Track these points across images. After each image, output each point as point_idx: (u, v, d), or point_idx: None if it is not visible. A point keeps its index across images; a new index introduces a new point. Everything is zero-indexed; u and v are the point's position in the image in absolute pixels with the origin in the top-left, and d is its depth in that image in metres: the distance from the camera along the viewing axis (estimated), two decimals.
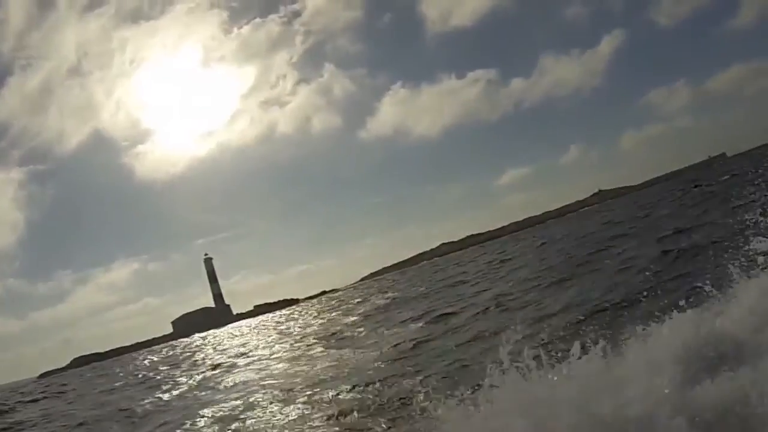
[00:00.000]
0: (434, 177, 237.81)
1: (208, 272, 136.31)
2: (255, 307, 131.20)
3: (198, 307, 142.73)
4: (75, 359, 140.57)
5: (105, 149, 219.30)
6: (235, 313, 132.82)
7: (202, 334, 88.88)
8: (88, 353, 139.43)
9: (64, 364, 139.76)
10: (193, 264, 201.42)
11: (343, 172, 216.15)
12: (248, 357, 21.45)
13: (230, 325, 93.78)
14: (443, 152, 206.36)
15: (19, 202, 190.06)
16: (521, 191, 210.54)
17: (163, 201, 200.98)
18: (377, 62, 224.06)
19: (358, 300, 41.44)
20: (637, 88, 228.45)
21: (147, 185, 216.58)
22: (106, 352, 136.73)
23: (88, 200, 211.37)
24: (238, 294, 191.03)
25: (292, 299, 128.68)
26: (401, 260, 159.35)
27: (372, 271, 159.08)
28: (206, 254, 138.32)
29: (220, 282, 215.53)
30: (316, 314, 41.93)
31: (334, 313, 34.60)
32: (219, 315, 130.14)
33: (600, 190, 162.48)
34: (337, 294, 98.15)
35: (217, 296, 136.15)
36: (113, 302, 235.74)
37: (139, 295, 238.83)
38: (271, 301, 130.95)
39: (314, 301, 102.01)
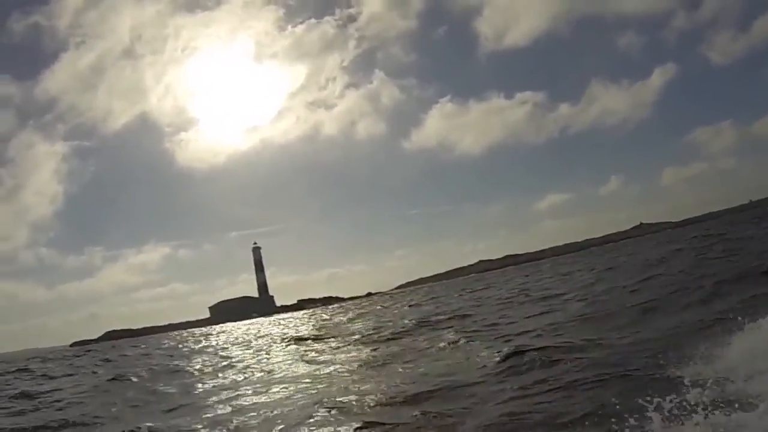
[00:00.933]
0: (473, 194, 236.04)
1: (255, 261, 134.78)
2: (298, 301, 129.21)
3: (231, 296, 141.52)
4: (108, 332, 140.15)
5: (149, 133, 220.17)
6: (278, 305, 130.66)
7: (247, 321, 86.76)
8: (120, 329, 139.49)
9: (95, 336, 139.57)
10: (224, 255, 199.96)
11: (382, 180, 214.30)
12: None
13: (282, 315, 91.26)
14: (485, 170, 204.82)
15: (60, 174, 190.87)
16: (559, 217, 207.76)
17: (200, 190, 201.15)
18: (428, 74, 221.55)
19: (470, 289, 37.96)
20: (684, 124, 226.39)
21: (187, 173, 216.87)
22: (138, 329, 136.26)
23: (128, 181, 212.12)
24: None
25: (336, 297, 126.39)
26: (438, 273, 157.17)
27: (408, 281, 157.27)
28: (255, 243, 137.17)
29: (246, 276, 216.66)
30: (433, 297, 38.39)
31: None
32: (262, 304, 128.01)
33: (642, 223, 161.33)
34: (386, 295, 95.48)
35: (262, 286, 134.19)
36: (141, 283, 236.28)
37: (167, 279, 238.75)
38: (315, 297, 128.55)
39: (358, 300, 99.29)
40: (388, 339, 17.67)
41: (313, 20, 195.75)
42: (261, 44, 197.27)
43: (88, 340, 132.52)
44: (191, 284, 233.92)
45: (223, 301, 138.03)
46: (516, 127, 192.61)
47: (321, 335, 24.17)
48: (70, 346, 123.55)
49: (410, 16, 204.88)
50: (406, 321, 22.51)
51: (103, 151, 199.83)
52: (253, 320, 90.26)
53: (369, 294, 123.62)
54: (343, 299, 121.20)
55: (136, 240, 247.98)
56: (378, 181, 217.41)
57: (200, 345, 33.60)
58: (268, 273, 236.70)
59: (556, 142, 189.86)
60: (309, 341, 22.23)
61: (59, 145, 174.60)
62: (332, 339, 21.45)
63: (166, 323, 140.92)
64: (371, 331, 21.33)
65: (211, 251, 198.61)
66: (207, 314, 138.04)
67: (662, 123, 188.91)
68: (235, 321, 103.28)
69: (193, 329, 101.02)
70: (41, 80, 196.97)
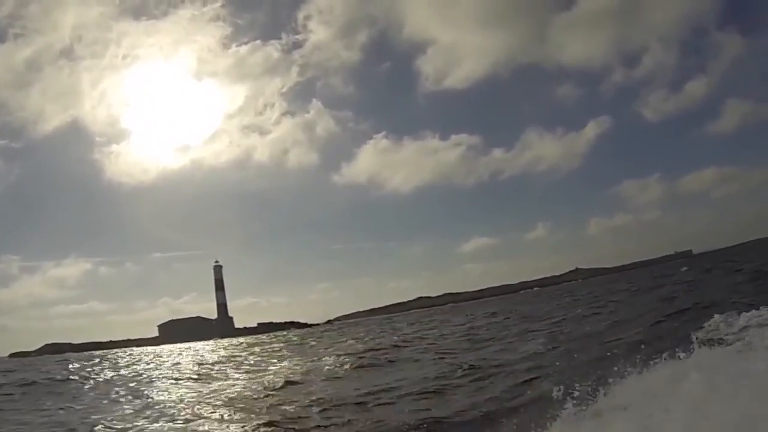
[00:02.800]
0: (398, 233, 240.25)
1: (216, 280, 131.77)
2: (259, 324, 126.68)
3: (178, 317, 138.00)
4: (47, 345, 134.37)
5: (79, 141, 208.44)
6: (236, 326, 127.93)
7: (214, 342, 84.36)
8: (60, 342, 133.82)
9: (33, 348, 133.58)
10: (145, 276, 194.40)
11: (309, 212, 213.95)
12: None
13: (247, 338, 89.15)
14: (412, 210, 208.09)
15: None
16: (482, 261, 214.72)
17: (127, 206, 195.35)
18: (365, 108, 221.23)
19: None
20: (612, 176, 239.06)
21: (114, 187, 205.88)
22: (79, 344, 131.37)
23: (52, 189, 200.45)
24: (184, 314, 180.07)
25: (301, 323, 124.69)
26: (376, 307, 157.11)
27: (344, 314, 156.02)
28: (216, 261, 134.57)
29: (165, 300, 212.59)
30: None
31: None
32: (220, 326, 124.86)
33: (577, 268, 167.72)
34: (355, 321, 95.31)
35: (221, 306, 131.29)
36: (58, 298, 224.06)
37: (85, 296, 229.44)
38: (277, 321, 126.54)
39: (326, 326, 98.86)
40: None
41: (258, 42, 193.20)
42: (203, 60, 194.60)
43: (26, 352, 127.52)
44: (109, 304, 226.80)
45: (173, 320, 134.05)
46: (448, 168, 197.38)
47: None
48: (9, 357, 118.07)
49: (355, 48, 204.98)
50: None
51: (31, 155, 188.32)
52: (208, 342, 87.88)
53: (337, 318, 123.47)
54: (308, 325, 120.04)
55: (56, 252, 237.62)
56: (304, 213, 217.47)
57: None
58: (188, 298, 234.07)
59: (486, 186, 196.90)
60: None
61: None
62: None
63: (109, 340, 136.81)
64: None
65: (133, 271, 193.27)
66: (155, 333, 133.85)
67: (592, 174, 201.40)
68: (187, 342, 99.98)
69: (146, 347, 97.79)
70: None
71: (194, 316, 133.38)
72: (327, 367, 18.86)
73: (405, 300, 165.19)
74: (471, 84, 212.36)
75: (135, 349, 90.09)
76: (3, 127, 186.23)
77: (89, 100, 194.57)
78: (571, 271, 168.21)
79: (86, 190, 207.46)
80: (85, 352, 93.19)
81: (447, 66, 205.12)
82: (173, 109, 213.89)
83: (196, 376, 21.95)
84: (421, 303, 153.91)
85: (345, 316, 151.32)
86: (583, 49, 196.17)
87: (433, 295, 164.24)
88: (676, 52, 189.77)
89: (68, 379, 25.22)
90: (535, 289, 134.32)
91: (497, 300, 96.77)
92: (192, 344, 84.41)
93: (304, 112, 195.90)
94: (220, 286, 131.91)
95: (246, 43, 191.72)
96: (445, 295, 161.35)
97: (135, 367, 32.19)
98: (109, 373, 27.41)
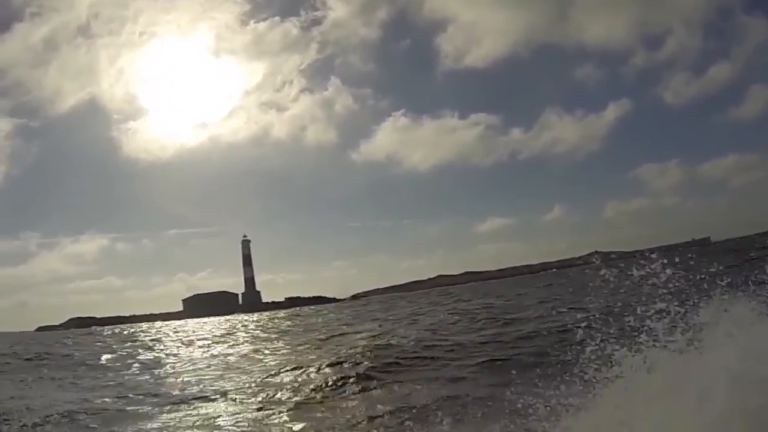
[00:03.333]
0: (415, 212, 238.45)
1: (243, 255, 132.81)
2: (286, 299, 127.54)
3: (204, 291, 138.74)
4: (72, 319, 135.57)
5: (97, 118, 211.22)
6: (264, 301, 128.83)
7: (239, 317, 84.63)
8: (85, 316, 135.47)
9: (59, 323, 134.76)
10: (161, 253, 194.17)
11: (326, 189, 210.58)
12: None
13: (280, 313, 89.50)
14: (429, 189, 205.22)
15: (2, 154, 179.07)
16: (498, 241, 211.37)
17: (144, 183, 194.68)
18: (384, 86, 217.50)
19: None
20: (631, 160, 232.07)
21: (131, 164, 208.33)
22: (104, 318, 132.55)
23: (70, 167, 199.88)
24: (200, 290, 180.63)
25: (329, 297, 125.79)
26: (395, 284, 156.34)
27: (364, 290, 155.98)
28: (245, 236, 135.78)
29: (181, 276, 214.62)
30: None
31: None
32: (246, 300, 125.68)
33: (597, 251, 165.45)
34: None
35: (249, 280, 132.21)
36: (75, 274, 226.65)
37: (102, 272, 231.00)
38: (305, 296, 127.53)
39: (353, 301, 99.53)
40: None
41: (277, 18, 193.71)
42: (221, 37, 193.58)
43: (53, 326, 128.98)
44: (126, 279, 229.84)
45: (197, 295, 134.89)
46: (466, 147, 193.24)
47: None
48: (35, 331, 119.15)
49: (374, 25, 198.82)
50: None
51: (49, 133, 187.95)
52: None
53: (354, 297, 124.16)
54: (334, 300, 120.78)
55: (74, 229, 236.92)
56: (321, 191, 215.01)
57: None
58: (204, 274, 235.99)
59: (505, 166, 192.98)
60: None
61: (3, 122, 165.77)
62: None
63: (131, 314, 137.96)
64: None
65: (149, 247, 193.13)
66: (178, 307, 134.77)
67: (611, 157, 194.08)
68: (212, 317, 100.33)
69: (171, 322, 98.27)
70: None
71: (219, 290, 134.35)
72: (453, 325, 18.96)
73: (424, 278, 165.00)
74: (491, 63, 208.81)
75: (166, 323, 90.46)
76: (21, 106, 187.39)
77: (107, 77, 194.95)
78: (590, 254, 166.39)
79: (104, 167, 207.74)
80: (113, 326, 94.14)
81: (467, 44, 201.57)
82: (191, 86, 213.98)
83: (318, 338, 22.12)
84: (441, 281, 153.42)
85: (367, 292, 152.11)
86: (604, 30, 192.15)
87: (453, 273, 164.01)
88: (701, 35, 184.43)
89: (169, 355, 24.56)
90: (554, 270, 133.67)
91: (522, 279, 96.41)
92: (223, 318, 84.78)
93: (323, 89, 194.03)
94: (247, 261, 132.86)
95: (264, 20, 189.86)
96: (465, 273, 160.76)
97: (225, 342, 29.65)
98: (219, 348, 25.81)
